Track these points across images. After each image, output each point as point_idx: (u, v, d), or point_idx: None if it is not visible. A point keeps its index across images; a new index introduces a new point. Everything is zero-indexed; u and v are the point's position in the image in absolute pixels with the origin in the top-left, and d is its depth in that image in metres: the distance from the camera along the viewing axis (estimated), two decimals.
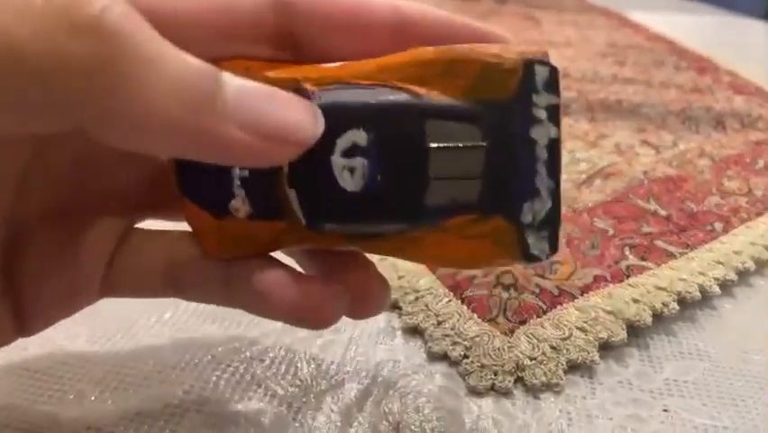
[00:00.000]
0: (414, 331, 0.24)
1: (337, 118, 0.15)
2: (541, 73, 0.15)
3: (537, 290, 0.27)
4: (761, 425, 0.21)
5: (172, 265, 0.18)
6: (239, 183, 0.16)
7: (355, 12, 0.16)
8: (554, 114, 0.15)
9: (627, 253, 0.30)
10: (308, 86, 0.16)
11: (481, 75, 0.15)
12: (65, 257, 0.18)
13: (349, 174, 0.15)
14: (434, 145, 0.15)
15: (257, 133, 0.13)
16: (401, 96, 0.15)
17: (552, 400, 0.21)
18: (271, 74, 0.16)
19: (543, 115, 0.15)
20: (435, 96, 0.15)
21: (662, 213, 0.34)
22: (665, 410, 0.21)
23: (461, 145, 0.15)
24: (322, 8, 0.16)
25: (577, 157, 0.41)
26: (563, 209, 0.34)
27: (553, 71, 0.15)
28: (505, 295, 0.26)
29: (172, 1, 0.16)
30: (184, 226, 0.18)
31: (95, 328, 0.23)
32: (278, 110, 0.14)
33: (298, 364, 0.22)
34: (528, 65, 0.15)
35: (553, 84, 0.15)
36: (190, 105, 0.12)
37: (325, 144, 0.15)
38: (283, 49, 0.17)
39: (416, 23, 0.17)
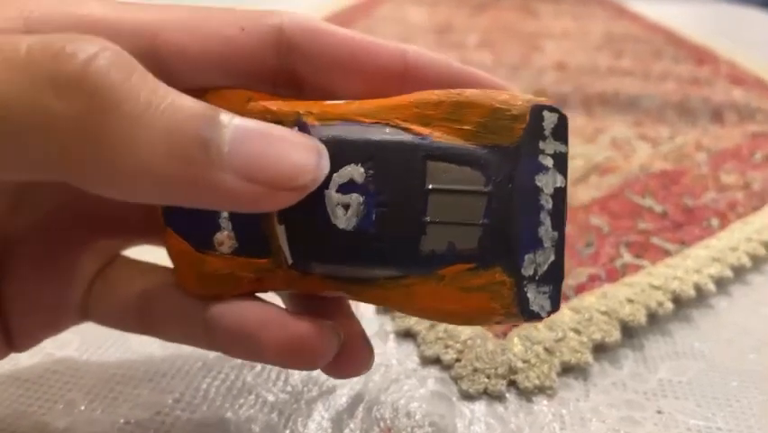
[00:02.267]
0: (407, 334, 0.24)
1: (336, 152, 0.15)
2: (549, 119, 0.14)
3: None
4: (755, 426, 0.21)
5: (147, 299, 0.18)
6: (226, 215, 0.16)
7: (360, 55, 0.16)
8: (562, 162, 0.15)
9: (623, 251, 0.30)
10: (310, 120, 0.15)
11: (488, 119, 0.14)
12: (46, 279, 0.18)
13: (343, 211, 0.15)
14: (433, 187, 0.14)
15: (255, 180, 0.13)
16: (403, 136, 0.15)
17: (545, 403, 0.21)
18: (273, 106, 0.16)
19: (549, 162, 0.14)
20: (438, 138, 0.14)
21: (658, 209, 0.34)
22: (659, 412, 0.21)
23: (462, 189, 0.14)
24: (327, 50, 0.16)
25: (573, 153, 0.41)
26: None
27: (562, 119, 0.15)
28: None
29: (176, 34, 0.16)
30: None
31: (86, 337, 0.23)
32: (279, 153, 0.13)
33: (290, 371, 0.22)
34: (537, 111, 0.14)
35: (561, 131, 0.15)
36: (182, 156, 0.12)
37: None
38: (284, 87, 0.17)
39: (422, 68, 0.16)
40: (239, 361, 0.22)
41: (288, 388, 0.21)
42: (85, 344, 0.23)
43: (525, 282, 0.14)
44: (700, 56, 0.72)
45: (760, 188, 0.37)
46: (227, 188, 0.12)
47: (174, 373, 0.22)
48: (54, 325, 0.19)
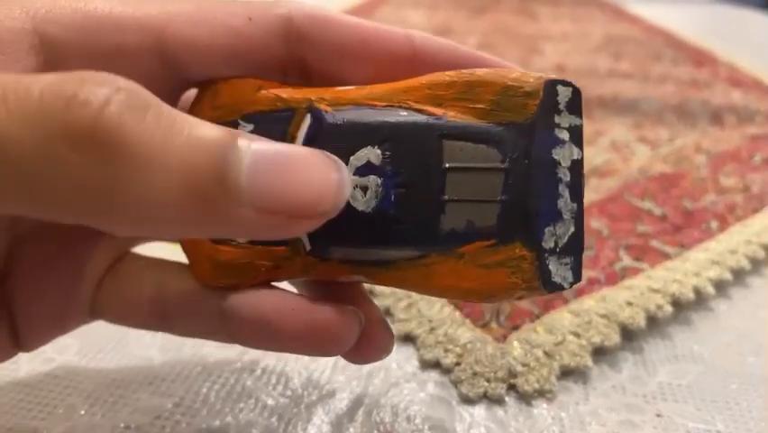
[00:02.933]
0: (406, 338, 0.24)
1: (351, 136, 0.15)
2: (564, 93, 0.14)
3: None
4: (755, 429, 0.21)
5: (161, 294, 0.17)
6: None
7: (368, 41, 0.16)
8: (578, 135, 0.15)
9: (622, 254, 0.30)
10: (322, 106, 0.15)
11: (501, 97, 0.14)
12: (55, 277, 0.18)
13: (361, 193, 0.15)
14: (450, 165, 0.14)
15: (274, 212, 0.12)
16: (418, 117, 0.15)
17: (544, 406, 0.21)
18: (284, 94, 0.16)
19: (565, 136, 0.14)
20: (453, 117, 0.14)
21: (658, 212, 0.34)
22: (658, 415, 0.21)
23: (479, 166, 0.14)
24: (335, 38, 0.16)
25: None
26: None
27: (576, 92, 0.15)
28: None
29: (183, 26, 0.16)
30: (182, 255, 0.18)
31: (86, 340, 0.23)
32: (299, 182, 0.13)
33: (289, 375, 0.22)
34: (550, 86, 0.14)
35: (576, 105, 0.15)
36: (198, 195, 0.12)
37: None
38: (294, 76, 0.17)
39: (430, 52, 0.16)
40: (239, 365, 0.22)
41: (288, 392, 0.21)
42: (85, 348, 0.23)
43: (546, 255, 0.14)
44: (699, 58, 0.72)
45: (759, 190, 0.37)
46: (246, 221, 0.12)
47: (174, 377, 0.22)
48: (62, 324, 0.18)
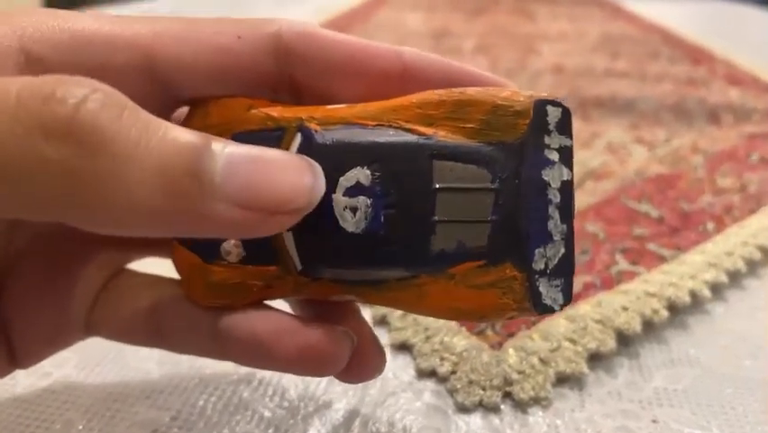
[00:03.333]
0: (402, 347, 0.24)
1: (340, 156, 0.15)
2: (553, 114, 0.14)
3: None
4: None
5: (156, 311, 0.18)
6: None
7: (357, 57, 0.16)
8: (567, 155, 0.15)
9: (618, 258, 0.30)
10: (312, 125, 0.15)
11: (491, 117, 0.14)
12: (50, 294, 0.18)
13: (351, 214, 0.15)
14: (440, 186, 0.14)
15: (249, 207, 0.13)
16: (407, 136, 0.15)
17: (540, 414, 0.21)
18: (275, 113, 0.16)
19: (555, 156, 0.14)
20: (443, 137, 0.14)
21: (654, 214, 0.34)
22: (654, 421, 0.21)
23: (469, 187, 0.14)
24: (325, 55, 0.16)
25: None
26: None
27: (566, 113, 0.15)
28: None
29: (172, 45, 0.16)
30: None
31: (84, 354, 0.23)
32: (272, 178, 0.13)
33: (286, 386, 0.22)
34: (540, 106, 0.14)
35: (565, 125, 0.15)
36: (174, 190, 0.12)
37: (328, 183, 0.14)
38: (284, 93, 0.17)
39: (420, 68, 0.16)
40: (235, 377, 0.22)
41: (285, 403, 0.21)
42: (83, 361, 0.23)
43: (536, 276, 0.14)
44: (697, 56, 0.72)
45: (756, 190, 0.37)
46: (222, 217, 0.13)
47: (171, 390, 0.22)
48: (58, 341, 0.19)
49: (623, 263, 0.29)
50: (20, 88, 0.11)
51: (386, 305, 0.16)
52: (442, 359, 0.23)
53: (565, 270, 0.15)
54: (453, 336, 0.24)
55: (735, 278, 0.29)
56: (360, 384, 0.22)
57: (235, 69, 0.16)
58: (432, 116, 0.15)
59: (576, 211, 0.34)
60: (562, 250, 0.15)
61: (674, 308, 0.26)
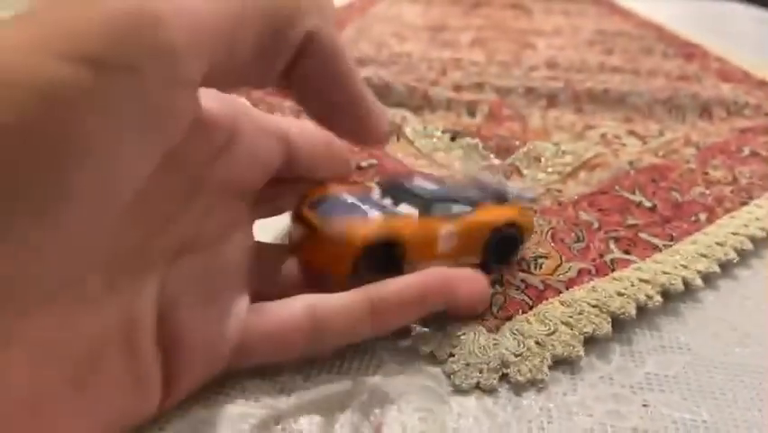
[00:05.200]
0: (402, 331, 0.24)
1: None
2: None
3: (523, 286, 0.27)
4: (740, 418, 0.21)
5: (312, 308, 0.21)
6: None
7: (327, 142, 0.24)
8: None
9: (612, 246, 0.30)
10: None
11: None
12: (206, 319, 0.19)
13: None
14: None
15: None
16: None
17: (533, 397, 0.22)
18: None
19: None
20: None
21: (648, 204, 0.34)
22: (645, 405, 0.21)
23: None
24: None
25: (563, 149, 0.41)
26: (548, 203, 0.34)
27: None
28: (491, 291, 0.26)
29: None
30: None
31: None
32: None
33: (280, 366, 0.22)
34: None
35: None
36: None
37: None
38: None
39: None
40: None
41: (278, 386, 0.21)
42: None
43: None
44: (690, 51, 0.72)
45: (747, 182, 0.38)
46: None
47: None
48: (213, 366, 0.20)
49: (617, 252, 0.29)
50: None
51: None
52: (440, 342, 0.23)
53: None
54: (452, 320, 0.24)
55: (726, 267, 0.29)
56: (355, 367, 0.22)
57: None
58: None
59: (570, 200, 0.36)
60: None
61: (667, 296, 0.27)
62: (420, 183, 0.26)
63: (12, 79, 0.12)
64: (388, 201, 0.25)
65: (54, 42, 0.12)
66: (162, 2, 0.13)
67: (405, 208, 0.24)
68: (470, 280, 0.24)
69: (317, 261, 0.23)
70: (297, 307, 0.21)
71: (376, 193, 0.25)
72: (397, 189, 0.25)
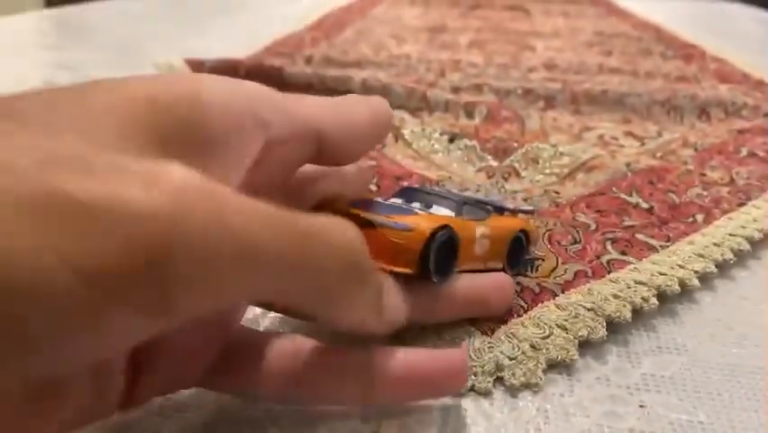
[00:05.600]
0: (396, 336, 0.24)
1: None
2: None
3: (518, 289, 0.27)
4: (736, 419, 0.21)
5: (299, 352, 0.20)
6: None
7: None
8: None
9: (609, 247, 0.30)
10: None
11: None
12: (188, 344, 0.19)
13: None
14: None
15: None
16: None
17: (529, 398, 0.22)
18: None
19: None
20: None
21: (645, 205, 0.34)
22: (642, 406, 0.21)
23: None
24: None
25: (560, 151, 0.41)
26: (546, 205, 0.34)
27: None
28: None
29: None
30: None
31: None
32: None
33: None
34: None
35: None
36: None
37: None
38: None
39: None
40: None
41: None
42: None
43: None
44: (688, 52, 0.72)
45: (745, 183, 0.38)
46: None
47: None
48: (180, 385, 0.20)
49: (613, 253, 0.29)
50: None
51: None
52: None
53: None
54: (447, 323, 0.24)
55: (723, 268, 0.29)
56: None
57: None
58: None
59: (567, 201, 0.36)
60: None
61: (663, 297, 0.27)
62: (439, 189, 0.26)
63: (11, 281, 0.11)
64: (417, 205, 0.24)
65: (66, 249, 0.11)
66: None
67: (439, 210, 0.23)
68: (499, 290, 0.24)
69: (380, 258, 0.20)
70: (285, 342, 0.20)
71: (399, 200, 0.24)
72: (417, 195, 0.25)
